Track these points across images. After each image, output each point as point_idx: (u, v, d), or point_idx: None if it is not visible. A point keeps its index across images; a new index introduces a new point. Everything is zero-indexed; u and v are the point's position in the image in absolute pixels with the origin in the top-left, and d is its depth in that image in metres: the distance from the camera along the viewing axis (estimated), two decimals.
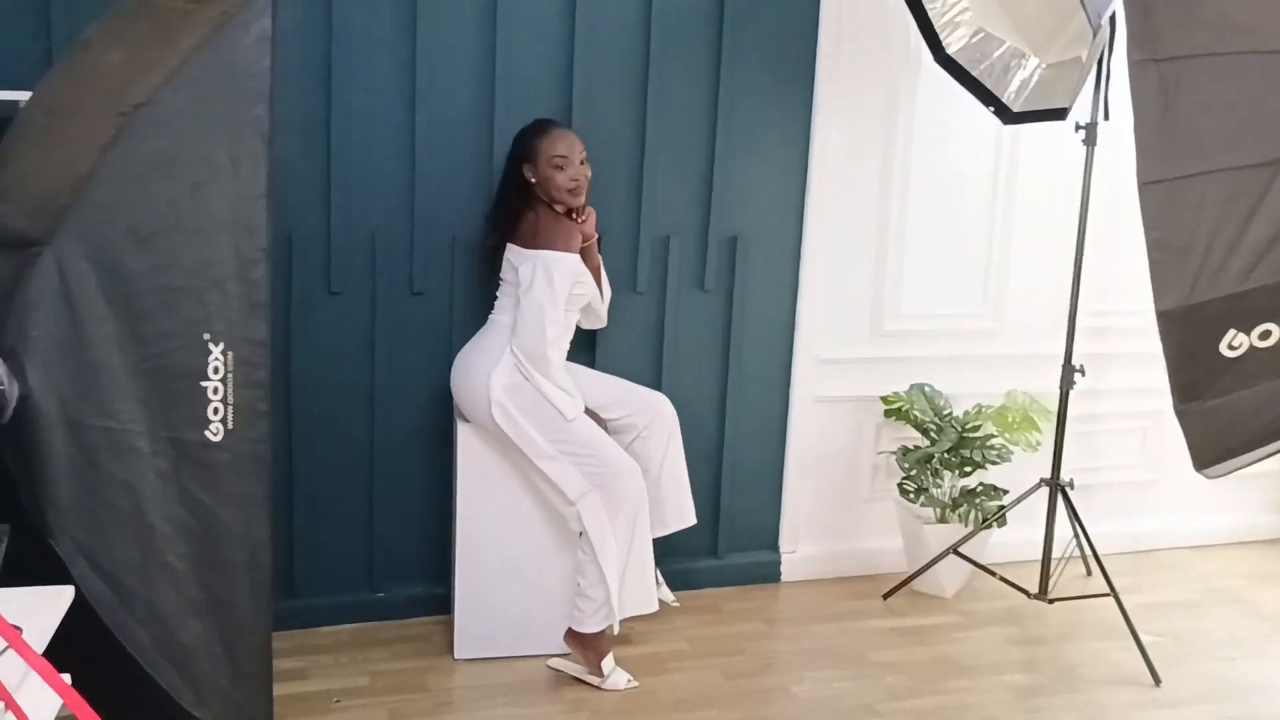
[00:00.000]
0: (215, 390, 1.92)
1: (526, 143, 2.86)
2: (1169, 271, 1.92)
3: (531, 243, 2.79)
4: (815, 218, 3.45)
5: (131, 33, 1.87)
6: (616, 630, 2.85)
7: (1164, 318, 1.93)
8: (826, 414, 3.61)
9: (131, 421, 1.88)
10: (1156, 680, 3.04)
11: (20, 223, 1.84)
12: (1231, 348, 1.97)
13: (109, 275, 1.85)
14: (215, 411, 1.92)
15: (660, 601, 3.13)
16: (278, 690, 2.75)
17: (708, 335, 3.42)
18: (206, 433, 1.92)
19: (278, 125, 2.71)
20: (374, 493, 3.15)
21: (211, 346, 1.91)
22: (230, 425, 1.92)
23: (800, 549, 3.65)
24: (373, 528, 3.17)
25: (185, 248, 1.89)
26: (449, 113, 3.03)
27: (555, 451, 2.77)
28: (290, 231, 2.94)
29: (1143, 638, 3.13)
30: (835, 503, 3.68)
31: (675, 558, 3.40)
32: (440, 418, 3.13)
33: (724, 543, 3.55)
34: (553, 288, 2.73)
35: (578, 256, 2.83)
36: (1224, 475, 2.18)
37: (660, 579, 3.19)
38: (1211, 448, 2.09)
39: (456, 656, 2.98)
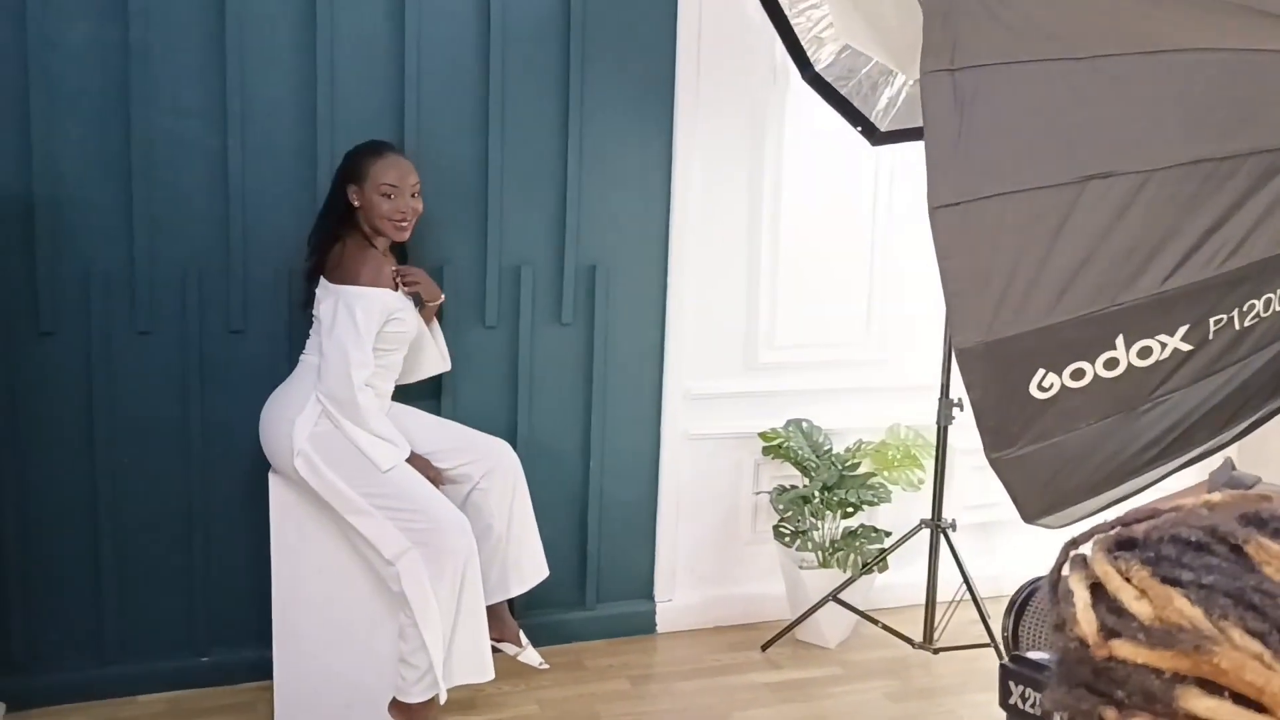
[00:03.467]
0: None
1: (356, 163, 2.64)
2: (967, 305, 1.71)
3: (335, 276, 2.56)
4: (681, 244, 3.24)
5: None
6: (444, 699, 2.61)
7: (965, 356, 1.71)
8: (701, 452, 3.38)
9: None
10: None
11: None
12: (1042, 389, 1.75)
13: None
14: None
15: (526, 664, 2.89)
16: None
17: (568, 371, 3.20)
18: None
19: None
20: (194, 549, 2.89)
21: None
22: None
23: (677, 597, 3.42)
24: (195, 587, 2.91)
25: None
26: (268, 138, 2.80)
27: (369, 506, 2.52)
28: (88, 267, 2.71)
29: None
30: (714, 546, 3.45)
31: (541, 610, 3.17)
32: (267, 466, 2.89)
33: (593, 593, 3.32)
34: (356, 326, 2.48)
35: (389, 290, 2.60)
36: (1063, 526, 1.97)
37: (524, 639, 2.94)
38: (1038, 498, 1.88)
39: None
